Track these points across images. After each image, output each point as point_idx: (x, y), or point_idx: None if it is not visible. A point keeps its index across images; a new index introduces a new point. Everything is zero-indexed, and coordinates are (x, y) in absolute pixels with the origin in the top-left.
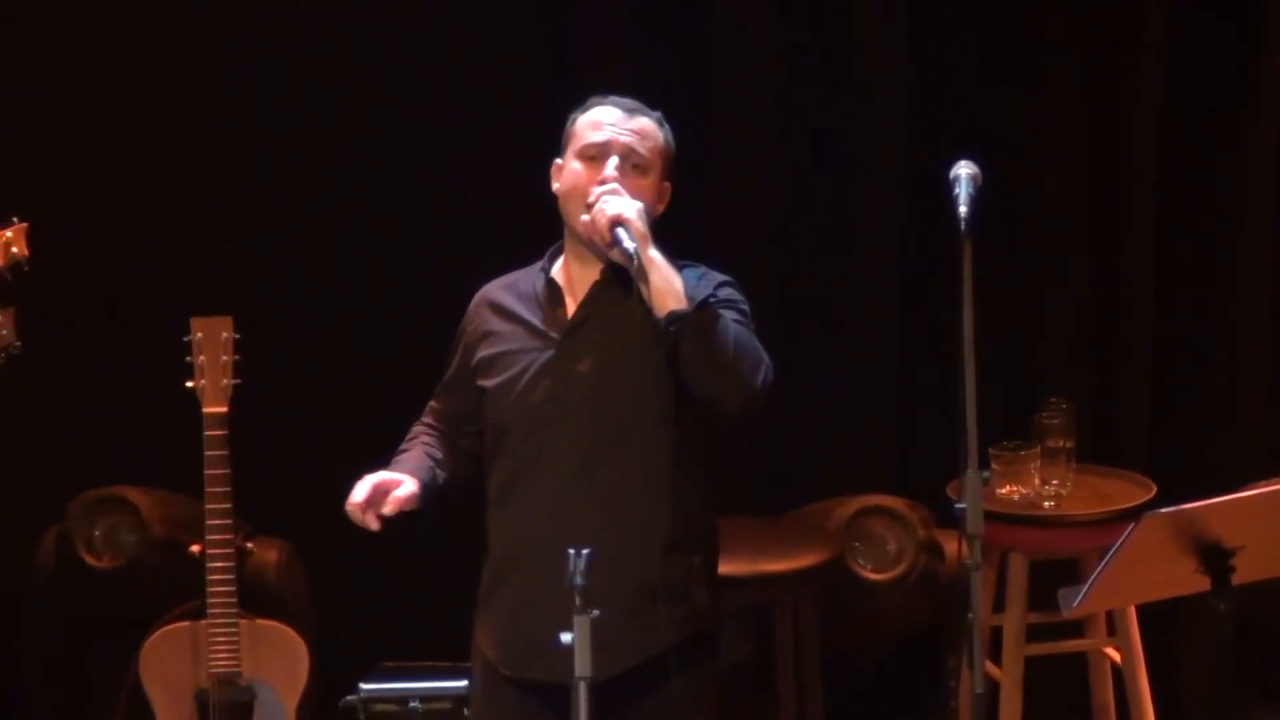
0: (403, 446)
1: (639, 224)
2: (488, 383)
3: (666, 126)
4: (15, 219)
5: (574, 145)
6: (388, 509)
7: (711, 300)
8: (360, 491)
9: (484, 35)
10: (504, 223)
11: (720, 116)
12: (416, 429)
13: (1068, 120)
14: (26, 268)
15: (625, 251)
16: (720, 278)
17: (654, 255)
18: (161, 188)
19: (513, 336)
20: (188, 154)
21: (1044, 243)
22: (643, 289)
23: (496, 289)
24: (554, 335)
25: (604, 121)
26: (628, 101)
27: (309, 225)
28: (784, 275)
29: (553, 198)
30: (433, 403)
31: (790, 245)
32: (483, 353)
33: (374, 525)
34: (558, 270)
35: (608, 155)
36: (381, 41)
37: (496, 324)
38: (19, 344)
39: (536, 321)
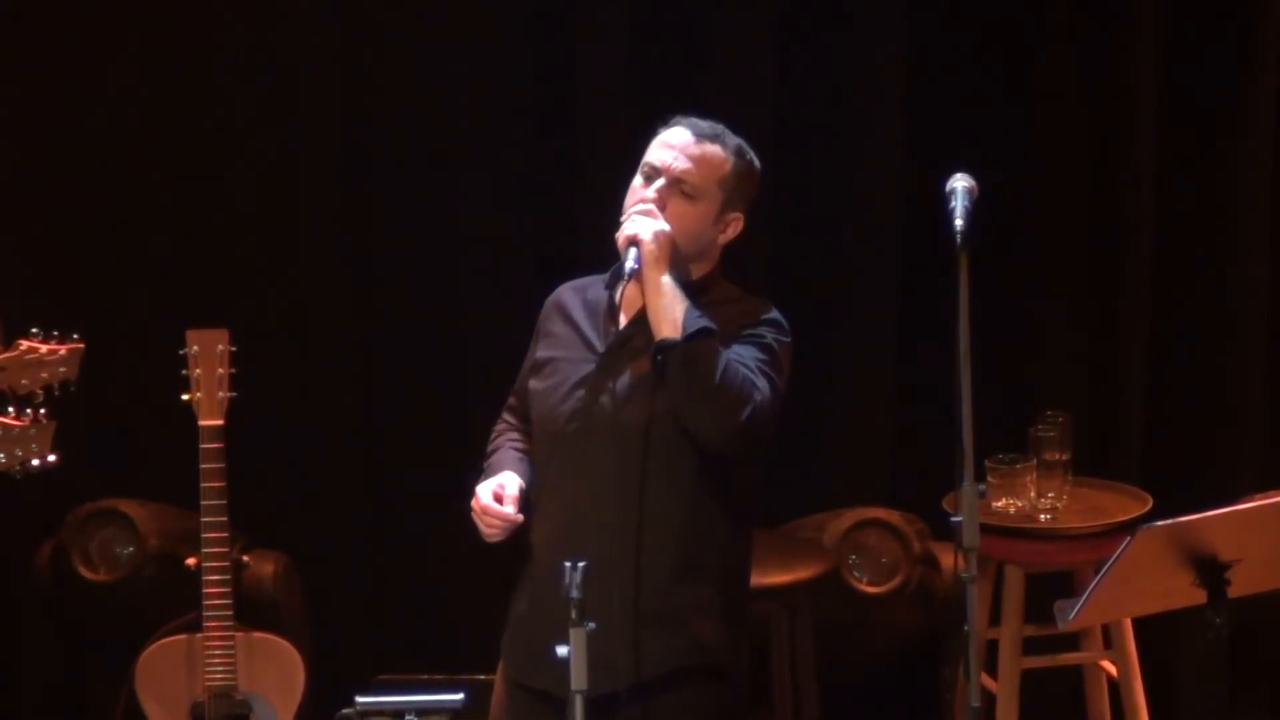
0: (491, 446)
1: (652, 245)
2: (537, 385)
3: (747, 157)
4: (76, 336)
5: (642, 160)
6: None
7: (707, 330)
8: (485, 495)
9: (482, 54)
10: (500, 239)
11: None
12: (500, 427)
13: (1064, 133)
14: (72, 389)
15: (622, 269)
16: (771, 315)
17: (663, 281)
18: (157, 200)
19: (566, 343)
20: (183, 166)
21: (1040, 255)
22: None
23: (569, 290)
24: (599, 349)
25: (672, 143)
26: (707, 126)
27: (306, 238)
28: (781, 288)
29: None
30: (511, 399)
31: (787, 258)
32: (539, 352)
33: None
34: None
35: (660, 177)
36: (379, 57)
37: (558, 326)
38: (53, 459)
39: (590, 332)
